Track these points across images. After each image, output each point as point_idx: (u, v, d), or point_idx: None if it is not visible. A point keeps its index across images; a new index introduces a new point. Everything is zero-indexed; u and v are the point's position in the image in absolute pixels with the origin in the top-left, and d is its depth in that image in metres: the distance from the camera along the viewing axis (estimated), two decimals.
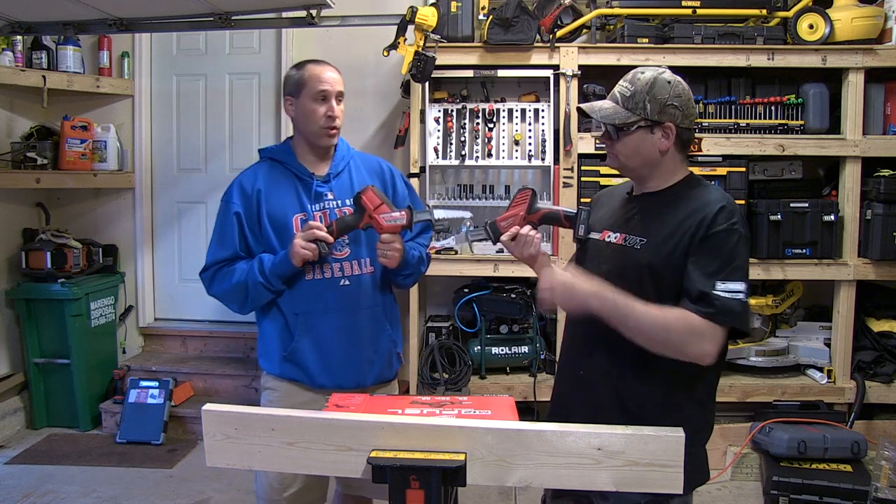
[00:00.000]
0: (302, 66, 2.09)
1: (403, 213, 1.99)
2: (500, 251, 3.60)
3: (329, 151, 2.15)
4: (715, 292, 1.51)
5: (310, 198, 2.07)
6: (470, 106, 3.67)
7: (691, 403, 1.66)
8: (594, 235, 1.76)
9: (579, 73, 3.51)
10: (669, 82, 1.63)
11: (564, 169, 3.54)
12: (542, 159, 3.61)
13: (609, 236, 1.71)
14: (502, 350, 3.76)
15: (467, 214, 2.15)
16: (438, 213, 2.05)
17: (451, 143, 3.65)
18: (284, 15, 3.55)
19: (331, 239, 1.97)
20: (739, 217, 1.58)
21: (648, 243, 1.61)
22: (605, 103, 1.68)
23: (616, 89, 1.68)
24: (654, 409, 1.61)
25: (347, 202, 2.09)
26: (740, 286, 1.53)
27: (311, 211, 2.06)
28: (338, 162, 2.14)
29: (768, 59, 3.48)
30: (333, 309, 2.04)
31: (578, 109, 1.73)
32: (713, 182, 3.23)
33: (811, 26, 3.47)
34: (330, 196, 2.09)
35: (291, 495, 2.04)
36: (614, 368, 1.64)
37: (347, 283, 2.06)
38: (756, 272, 3.46)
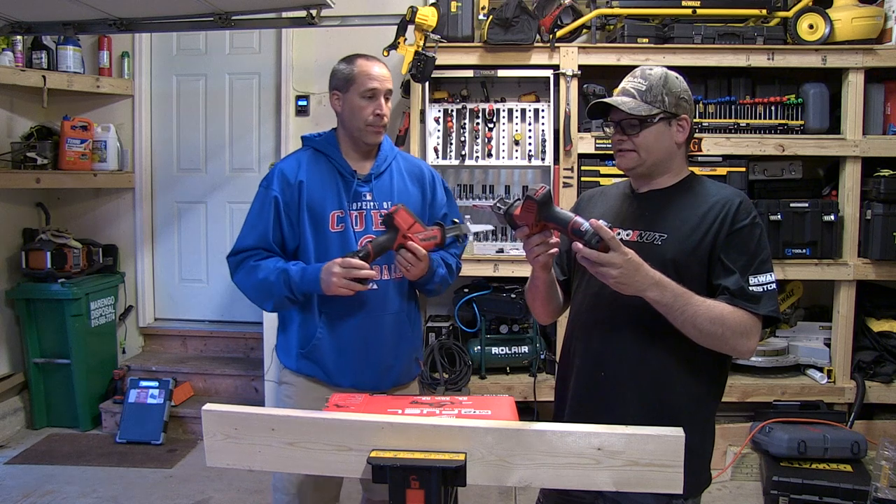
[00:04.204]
0: (352, 61, 2.03)
1: (435, 230, 1.97)
2: (500, 251, 3.61)
3: (373, 150, 2.10)
4: (750, 288, 1.56)
5: (349, 196, 2.03)
6: (470, 106, 3.67)
7: (711, 405, 1.68)
8: None
9: (579, 73, 3.51)
10: (677, 78, 1.67)
11: (564, 169, 3.54)
12: (542, 159, 3.61)
13: (619, 234, 1.69)
14: (502, 350, 3.76)
15: (490, 227, 2.14)
16: (472, 228, 2.02)
17: (451, 143, 3.65)
18: (284, 15, 3.55)
19: (374, 275, 1.93)
20: (755, 209, 1.64)
21: (671, 238, 1.62)
22: (626, 97, 1.66)
23: (627, 86, 1.67)
24: (682, 408, 1.62)
25: (385, 205, 2.04)
26: (770, 277, 1.58)
27: (349, 210, 2.02)
28: (380, 162, 2.09)
29: (768, 59, 3.48)
30: (358, 312, 2.01)
31: (598, 104, 1.69)
32: None
33: (811, 26, 3.47)
34: (368, 197, 2.04)
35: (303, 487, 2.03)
36: (642, 370, 1.63)
37: (375, 287, 2.00)
38: None
